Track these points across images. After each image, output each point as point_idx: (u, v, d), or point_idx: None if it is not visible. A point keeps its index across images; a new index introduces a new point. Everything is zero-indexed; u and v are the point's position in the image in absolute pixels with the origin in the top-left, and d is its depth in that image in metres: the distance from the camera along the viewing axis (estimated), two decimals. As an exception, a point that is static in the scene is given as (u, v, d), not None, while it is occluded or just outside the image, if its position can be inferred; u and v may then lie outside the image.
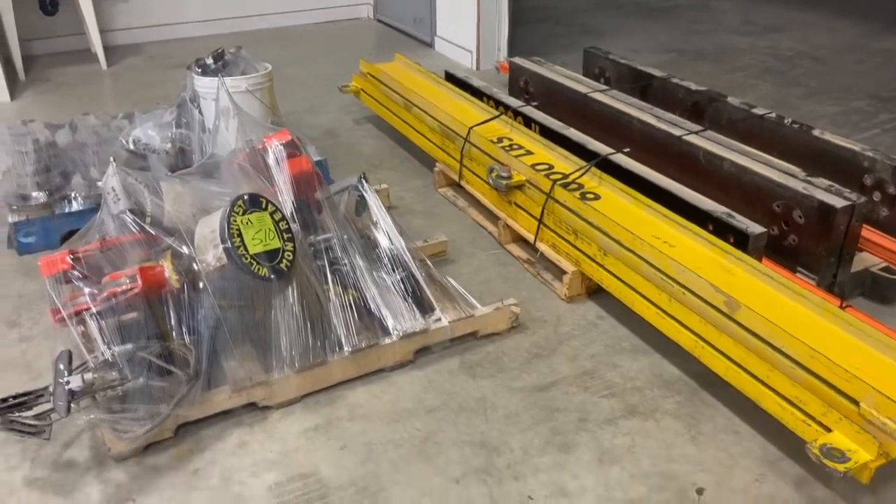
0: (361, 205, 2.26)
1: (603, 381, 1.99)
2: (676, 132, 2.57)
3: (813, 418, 1.63)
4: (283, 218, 1.84)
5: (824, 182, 2.21)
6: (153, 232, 1.77)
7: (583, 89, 3.00)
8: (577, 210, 2.27)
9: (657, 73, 3.15)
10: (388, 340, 1.98)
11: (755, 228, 2.02)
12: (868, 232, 2.32)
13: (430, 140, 3.06)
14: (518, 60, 3.39)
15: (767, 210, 2.27)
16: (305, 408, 1.89)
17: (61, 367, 1.52)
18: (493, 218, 2.69)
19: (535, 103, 2.97)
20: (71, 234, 2.53)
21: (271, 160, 2.08)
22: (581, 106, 2.97)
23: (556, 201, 2.35)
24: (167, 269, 1.72)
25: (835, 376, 1.58)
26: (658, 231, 2.13)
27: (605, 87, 3.04)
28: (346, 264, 2.06)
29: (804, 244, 2.19)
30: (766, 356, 1.72)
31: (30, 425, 1.55)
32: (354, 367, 1.95)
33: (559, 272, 2.37)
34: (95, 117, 3.09)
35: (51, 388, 1.55)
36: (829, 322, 1.75)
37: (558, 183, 2.36)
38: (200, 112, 2.82)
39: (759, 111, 2.73)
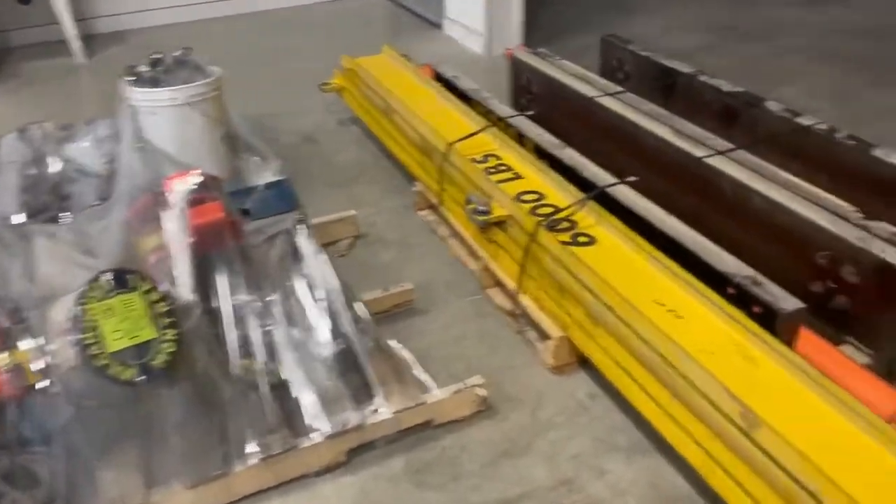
0: (295, 255, 1.84)
1: (585, 497, 1.55)
2: (698, 152, 2.07)
3: None
4: (164, 298, 1.44)
5: (887, 228, 1.70)
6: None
7: (590, 92, 2.50)
8: (563, 260, 1.81)
9: (683, 68, 2.62)
10: (309, 441, 1.57)
11: (787, 303, 1.53)
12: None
13: (410, 154, 2.62)
14: (519, 53, 2.89)
15: (809, 261, 1.77)
16: (203, 529, 1.51)
17: None
18: (476, 254, 2.24)
19: (529, 113, 2.49)
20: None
21: (173, 209, 1.67)
22: (588, 113, 2.48)
23: (541, 245, 1.89)
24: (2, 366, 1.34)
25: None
26: (664, 293, 1.66)
27: (618, 88, 2.53)
28: (265, 335, 1.66)
29: (857, 309, 1.70)
30: (793, 496, 1.25)
31: None
32: (267, 477, 1.55)
33: (546, 333, 1.92)
34: (39, 127, 2.73)
35: None
36: (880, 453, 1.26)
37: (544, 222, 1.90)
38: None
39: (805, 121, 2.20)
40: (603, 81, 2.62)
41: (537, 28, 4.26)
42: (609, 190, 1.99)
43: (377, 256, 2.38)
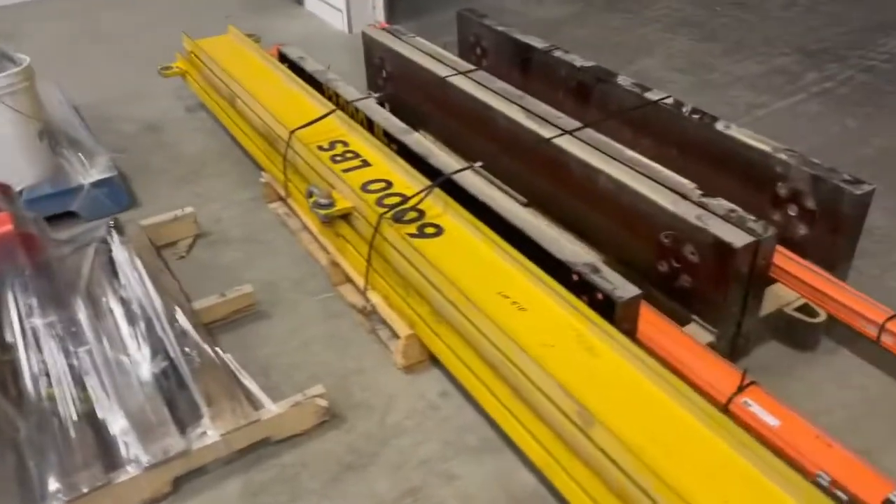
0: (111, 266, 1.66)
1: (431, 506, 1.48)
2: (546, 133, 2.01)
3: None
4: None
5: (724, 205, 1.69)
6: None
7: (442, 71, 2.40)
8: (406, 254, 1.71)
9: (538, 44, 2.56)
10: (126, 475, 1.42)
11: (624, 291, 1.49)
12: (783, 258, 1.82)
13: (256, 143, 2.44)
14: (370, 31, 2.75)
15: (655, 241, 1.74)
16: (3, 587, 1.34)
17: None
18: (326, 249, 2.11)
19: (377, 95, 2.36)
20: None
21: (-49, 223, 1.47)
22: (441, 94, 2.38)
23: (385, 239, 1.79)
24: None
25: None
26: (509, 285, 1.59)
27: (471, 67, 2.44)
28: (72, 360, 1.48)
29: (699, 288, 1.68)
30: (628, 495, 1.21)
31: None
32: (76, 520, 1.39)
33: (396, 331, 1.82)
34: None
35: None
36: (711, 442, 1.24)
37: (389, 214, 1.79)
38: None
39: (653, 96, 2.17)
40: (456, 59, 2.53)
41: (401, 2, 4.12)
42: (456, 177, 1.90)
43: (220, 256, 2.21)
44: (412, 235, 1.75)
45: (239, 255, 2.21)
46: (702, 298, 1.68)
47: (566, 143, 1.96)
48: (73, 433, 1.41)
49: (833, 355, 1.79)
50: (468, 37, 2.87)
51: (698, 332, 1.69)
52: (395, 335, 1.82)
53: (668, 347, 1.57)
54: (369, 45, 2.75)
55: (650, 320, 1.63)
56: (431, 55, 2.53)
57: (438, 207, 1.85)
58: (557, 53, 2.49)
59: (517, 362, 1.41)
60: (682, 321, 1.72)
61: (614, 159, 1.88)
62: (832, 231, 1.80)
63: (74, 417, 1.43)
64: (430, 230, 1.78)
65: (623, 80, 2.27)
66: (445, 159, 1.98)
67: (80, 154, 2.36)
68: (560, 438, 1.34)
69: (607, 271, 1.54)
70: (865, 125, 2.81)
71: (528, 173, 2.09)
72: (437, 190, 1.87)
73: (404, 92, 2.58)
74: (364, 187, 1.93)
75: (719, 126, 2.01)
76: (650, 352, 1.55)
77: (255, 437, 1.55)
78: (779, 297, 1.81)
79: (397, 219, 1.80)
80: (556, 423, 1.34)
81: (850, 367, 1.76)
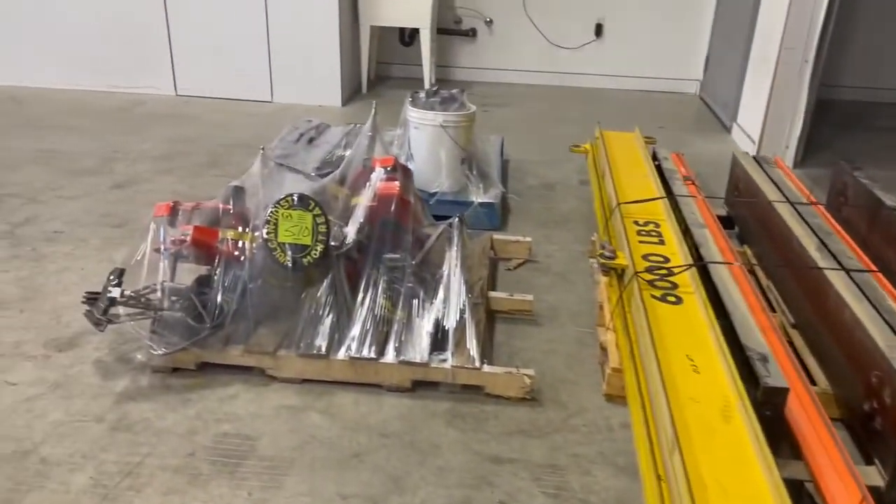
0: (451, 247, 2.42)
1: (560, 481, 1.85)
2: (825, 263, 2.17)
3: None
4: (326, 223, 2.12)
5: (945, 364, 1.70)
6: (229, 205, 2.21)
7: (772, 196, 2.66)
8: (637, 307, 2.10)
9: (889, 201, 2.62)
10: (386, 360, 2.12)
11: (773, 381, 1.66)
12: None
13: (602, 210, 3.02)
14: (739, 154, 3.11)
15: (867, 379, 1.82)
16: (301, 390, 2.14)
17: (111, 278, 2.03)
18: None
19: (686, 194, 2.74)
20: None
21: (372, 178, 2.39)
22: (764, 214, 2.65)
23: (631, 293, 2.20)
24: (224, 235, 2.14)
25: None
26: (699, 352, 1.88)
27: (803, 201, 2.65)
28: (403, 286, 2.26)
29: (887, 431, 1.71)
30: None
31: (96, 318, 2.08)
32: (352, 372, 2.14)
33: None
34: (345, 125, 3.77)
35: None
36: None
37: (645, 275, 2.20)
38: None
39: (965, 268, 2.13)
40: (796, 191, 2.74)
41: (824, 150, 4.25)
42: (713, 269, 2.21)
43: (535, 278, 2.83)
44: (655, 297, 2.13)
45: (547, 282, 2.81)
46: (886, 442, 1.71)
47: (835, 276, 2.10)
48: (381, 327, 2.17)
49: None
50: (838, 183, 3.01)
51: (871, 473, 1.71)
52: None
53: (815, 452, 1.68)
54: (734, 165, 3.12)
55: (820, 433, 1.74)
56: (776, 183, 2.79)
57: (691, 286, 2.19)
58: (902, 212, 2.52)
59: (658, 403, 1.72)
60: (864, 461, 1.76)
61: (869, 301, 1.97)
62: None
63: (386, 320, 2.18)
64: (671, 298, 2.13)
65: (950, 249, 2.25)
66: (713, 251, 2.29)
67: (482, 183, 3.24)
68: (658, 460, 1.62)
69: (773, 364, 1.73)
70: None
71: (800, 297, 2.26)
72: (695, 272, 2.20)
73: (742, 206, 2.88)
74: (645, 256, 2.36)
75: None
76: (800, 448, 1.70)
77: (472, 381, 2.12)
78: None
79: (651, 283, 2.20)
80: (663, 442, 1.62)
81: None
